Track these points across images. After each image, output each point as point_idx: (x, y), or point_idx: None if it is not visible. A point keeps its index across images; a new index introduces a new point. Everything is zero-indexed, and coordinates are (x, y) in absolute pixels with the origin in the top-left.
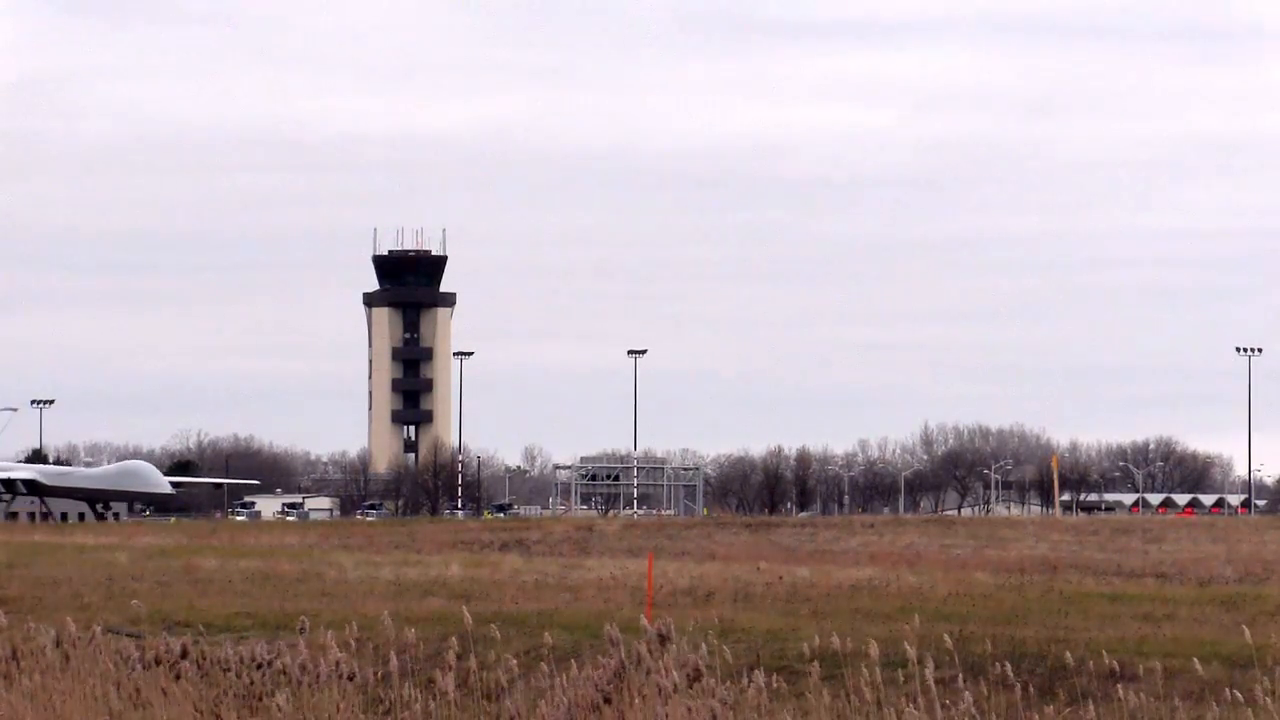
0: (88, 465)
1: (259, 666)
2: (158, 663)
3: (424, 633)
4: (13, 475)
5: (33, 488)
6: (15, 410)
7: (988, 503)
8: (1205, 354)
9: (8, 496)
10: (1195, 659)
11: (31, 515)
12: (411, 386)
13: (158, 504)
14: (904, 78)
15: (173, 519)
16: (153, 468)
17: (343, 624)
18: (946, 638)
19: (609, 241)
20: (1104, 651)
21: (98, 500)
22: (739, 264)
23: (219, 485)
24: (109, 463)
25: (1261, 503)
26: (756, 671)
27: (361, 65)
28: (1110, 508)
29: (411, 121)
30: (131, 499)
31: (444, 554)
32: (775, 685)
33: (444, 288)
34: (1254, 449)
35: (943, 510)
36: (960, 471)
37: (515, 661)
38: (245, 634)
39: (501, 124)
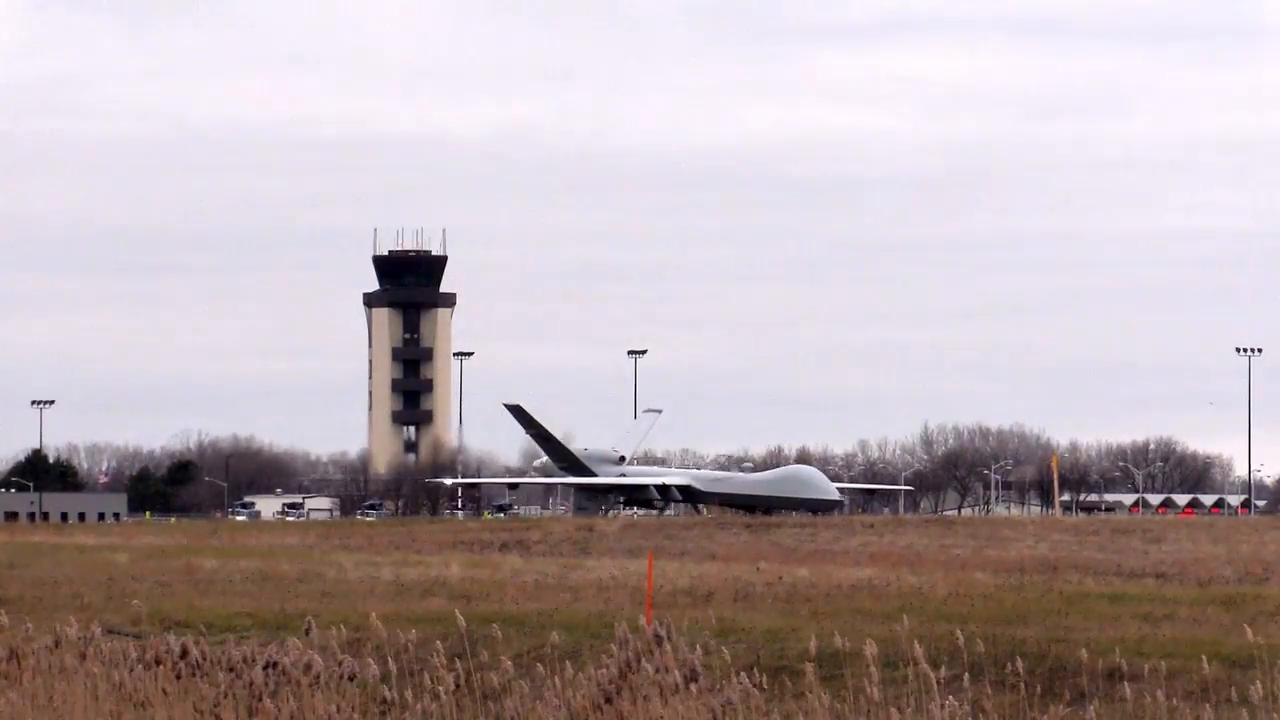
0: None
1: (260, 667)
2: (158, 663)
3: (423, 633)
4: (668, 480)
5: (687, 493)
6: (660, 411)
7: (988, 503)
8: (1205, 354)
9: (661, 502)
10: (1195, 659)
11: (31, 515)
12: (411, 386)
13: (823, 510)
14: (908, 79)
15: (172, 519)
16: (819, 472)
17: (342, 624)
18: (959, 635)
19: (609, 241)
20: (1105, 651)
21: (757, 506)
22: (740, 264)
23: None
24: (109, 463)
25: (1261, 503)
26: (742, 673)
27: (363, 66)
28: (1110, 508)
29: (412, 122)
30: (796, 505)
31: (444, 554)
32: (770, 686)
33: (444, 288)
34: (1254, 449)
35: (943, 510)
36: (960, 471)
37: (511, 662)
38: (245, 634)
39: (502, 124)
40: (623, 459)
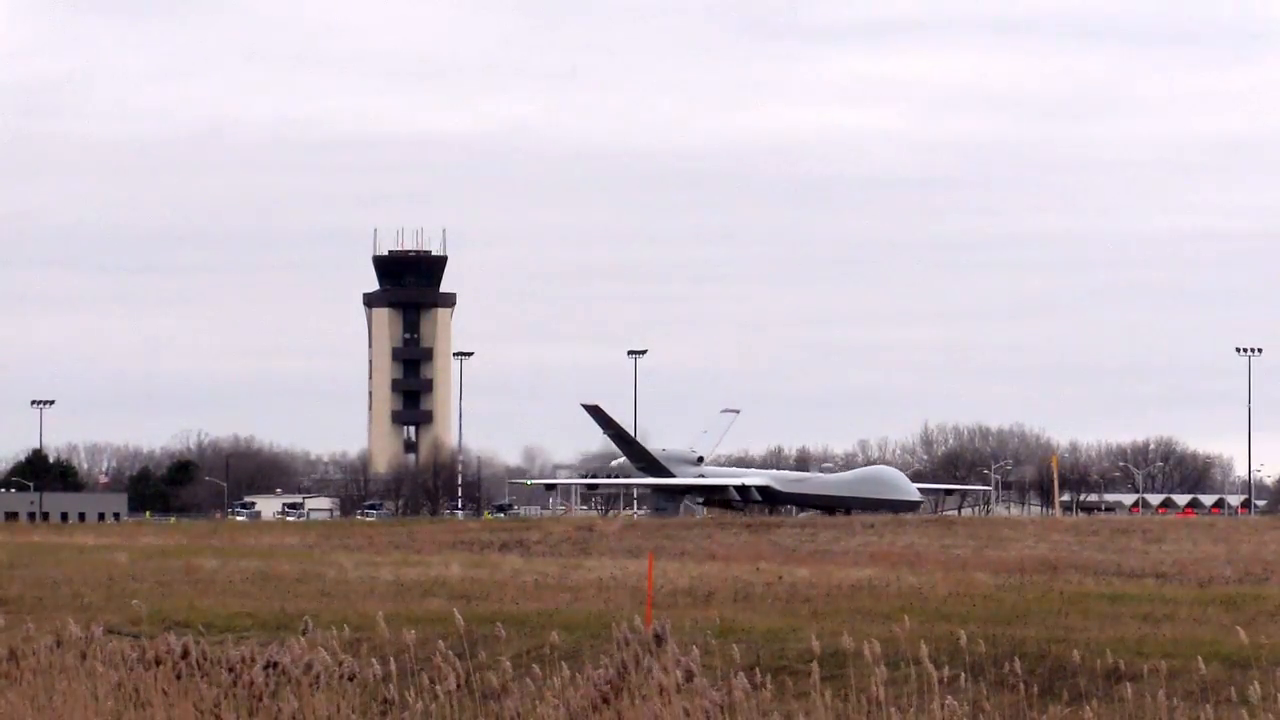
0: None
1: (260, 667)
2: (158, 663)
3: (422, 633)
4: (747, 481)
5: (767, 494)
6: (738, 412)
7: (988, 503)
8: (1205, 354)
9: (740, 503)
10: (1195, 659)
11: (31, 515)
12: (411, 386)
13: (904, 512)
14: (908, 79)
15: (172, 519)
16: (899, 473)
17: (342, 624)
18: (960, 635)
19: (609, 241)
20: (1105, 651)
21: (838, 508)
22: (740, 264)
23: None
24: (109, 463)
25: (1261, 503)
26: (742, 673)
27: (363, 66)
28: (1110, 508)
29: (413, 122)
30: (876, 506)
31: (444, 554)
32: (769, 685)
33: (444, 288)
34: (1254, 449)
35: (943, 510)
36: (960, 471)
37: (511, 662)
38: (245, 634)
39: (502, 124)
40: (700, 459)
